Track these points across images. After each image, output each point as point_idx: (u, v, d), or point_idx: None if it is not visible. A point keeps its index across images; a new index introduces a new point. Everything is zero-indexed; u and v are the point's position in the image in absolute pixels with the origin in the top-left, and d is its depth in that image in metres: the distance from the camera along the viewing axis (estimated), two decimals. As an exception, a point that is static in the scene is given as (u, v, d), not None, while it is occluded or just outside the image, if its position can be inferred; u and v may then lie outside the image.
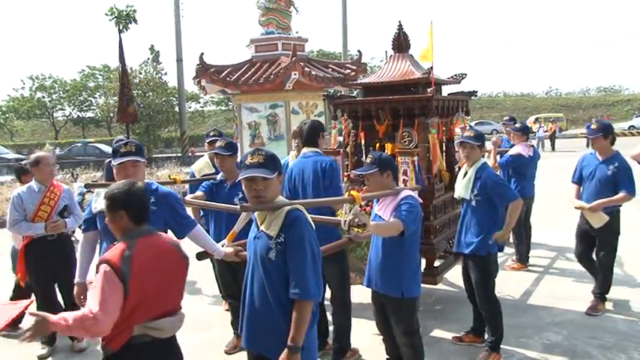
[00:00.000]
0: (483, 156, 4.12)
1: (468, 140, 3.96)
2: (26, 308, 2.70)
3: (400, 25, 5.01)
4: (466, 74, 5.12)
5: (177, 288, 2.43)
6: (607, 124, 4.75)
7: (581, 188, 4.80)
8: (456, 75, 5.17)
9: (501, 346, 3.95)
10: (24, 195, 4.22)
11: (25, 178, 4.91)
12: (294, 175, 4.03)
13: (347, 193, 3.06)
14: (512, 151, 6.00)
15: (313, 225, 2.44)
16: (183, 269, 2.43)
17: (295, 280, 2.29)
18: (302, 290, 2.28)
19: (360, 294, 4.89)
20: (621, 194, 4.48)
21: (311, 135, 4.04)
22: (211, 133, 5.43)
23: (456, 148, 4.73)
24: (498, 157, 6.03)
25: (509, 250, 6.54)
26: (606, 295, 4.84)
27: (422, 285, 4.64)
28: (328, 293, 4.10)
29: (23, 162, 5.63)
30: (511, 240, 6.73)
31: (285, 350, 2.26)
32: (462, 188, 4.02)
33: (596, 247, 4.77)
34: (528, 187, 6.05)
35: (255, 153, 2.40)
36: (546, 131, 25.18)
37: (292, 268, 2.30)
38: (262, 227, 2.40)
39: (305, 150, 4.07)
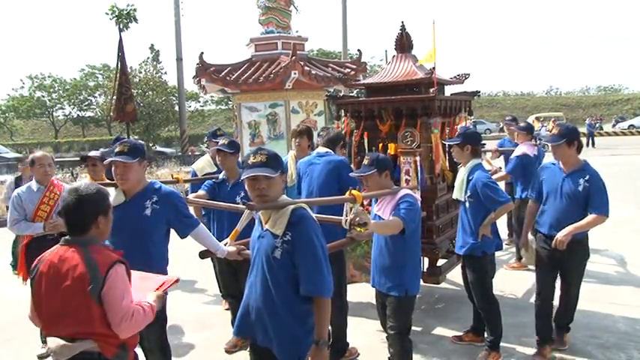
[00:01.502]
0: (484, 153, 4.15)
1: (445, 142, 4.15)
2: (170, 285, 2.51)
3: (403, 26, 5.02)
4: (469, 74, 5.13)
5: (79, 315, 2.12)
6: (571, 128, 3.85)
7: (543, 207, 3.93)
8: (458, 75, 5.18)
9: (501, 344, 3.97)
10: (23, 195, 4.22)
11: (24, 170, 6.34)
12: (301, 173, 4.23)
13: (348, 192, 3.07)
14: (517, 152, 5.95)
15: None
16: (82, 294, 2.09)
17: (309, 278, 2.30)
18: (318, 287, 2.30)
19: (361, 293, 4.91)
20: (592, 216, 3.62)
21: (331, 141, 4.29)
22: (218, 133, 5.45)
23: None
24: (497, 163, 6.07)
25: (511, 248, 6.56)
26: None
27: (424, 284, 4.67)
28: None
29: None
30: (508, 237, 6.76)
31: (314, 346, 2.30)
32: (457, 190, 4.06)
33: (561, 276, 3.94)
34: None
35: (257, 152, 2.40)
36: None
37: (304, 267, 2.30)
38: (267, 226, 2.40)
39: (321, 149, 4.26)
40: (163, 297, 2.39)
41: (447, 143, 4.12)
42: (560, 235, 3.64)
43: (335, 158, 4.14)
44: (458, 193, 4.04)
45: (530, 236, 4.14)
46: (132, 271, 2.45)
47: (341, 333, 4.03)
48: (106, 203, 2.31)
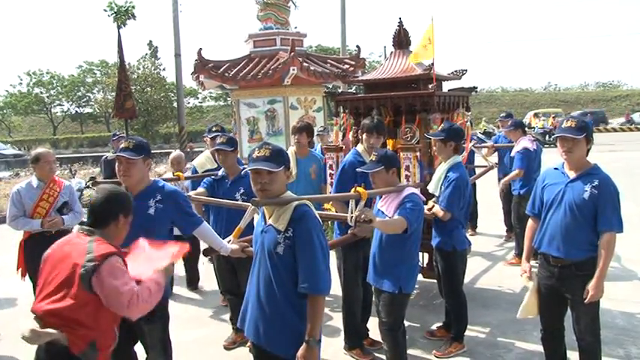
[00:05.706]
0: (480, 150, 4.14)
1: (428, 135, 4.16)
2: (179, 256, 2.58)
3: (400, 22, 5.02)
4: (466, 70, 5.13)
5: (61, 292, 2.18)
6: (588, 122, 3.09)
7: (542, 219, 3.20)
8: (456, 71, 5.18)
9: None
10: (23, 191, 4.22)
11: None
12: None
13: (353, 189, 3.07)
14: (519, 147, 5.97)
15: (321, 220, 2.46)
16: (73, 274, 2.17)
17: (305, 275, 2.31)
18: (312, 284, 2.30)
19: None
20: (605, 238, 2.93)
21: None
22: (214, 129, 5.40)
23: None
24: (493, 160, 6.10)
25: (510, 244, 6.57)
26: None
27: (423, 279, 4.69)
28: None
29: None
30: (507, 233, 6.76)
31: (304, 345, 2.28)
32: (434, 184, 4.05)
33: (573, 314, 3.13)
34: (534, 181, 6.02)
35: (262, 147, 2.43)
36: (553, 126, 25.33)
37: (302, 263, 2.31)
38: (270, 221, 2.42)
39: None
40: (171, 269, 2.50)
41: (431, 137, 4.08)
42: (591, 287, 2.95)
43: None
44: (433, 187, 4.05)
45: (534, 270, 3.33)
46: (144, 247, 2.55)
47: (356, 320, 4.08)
48: (130, 206, 2.48)
